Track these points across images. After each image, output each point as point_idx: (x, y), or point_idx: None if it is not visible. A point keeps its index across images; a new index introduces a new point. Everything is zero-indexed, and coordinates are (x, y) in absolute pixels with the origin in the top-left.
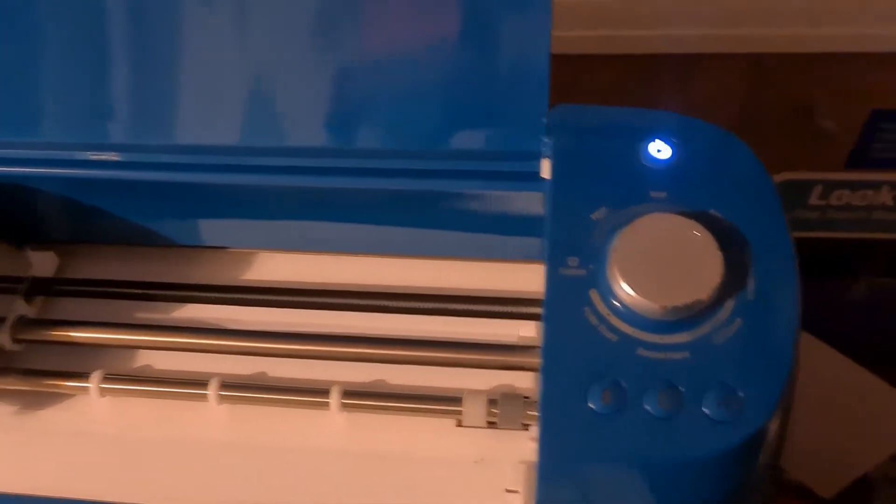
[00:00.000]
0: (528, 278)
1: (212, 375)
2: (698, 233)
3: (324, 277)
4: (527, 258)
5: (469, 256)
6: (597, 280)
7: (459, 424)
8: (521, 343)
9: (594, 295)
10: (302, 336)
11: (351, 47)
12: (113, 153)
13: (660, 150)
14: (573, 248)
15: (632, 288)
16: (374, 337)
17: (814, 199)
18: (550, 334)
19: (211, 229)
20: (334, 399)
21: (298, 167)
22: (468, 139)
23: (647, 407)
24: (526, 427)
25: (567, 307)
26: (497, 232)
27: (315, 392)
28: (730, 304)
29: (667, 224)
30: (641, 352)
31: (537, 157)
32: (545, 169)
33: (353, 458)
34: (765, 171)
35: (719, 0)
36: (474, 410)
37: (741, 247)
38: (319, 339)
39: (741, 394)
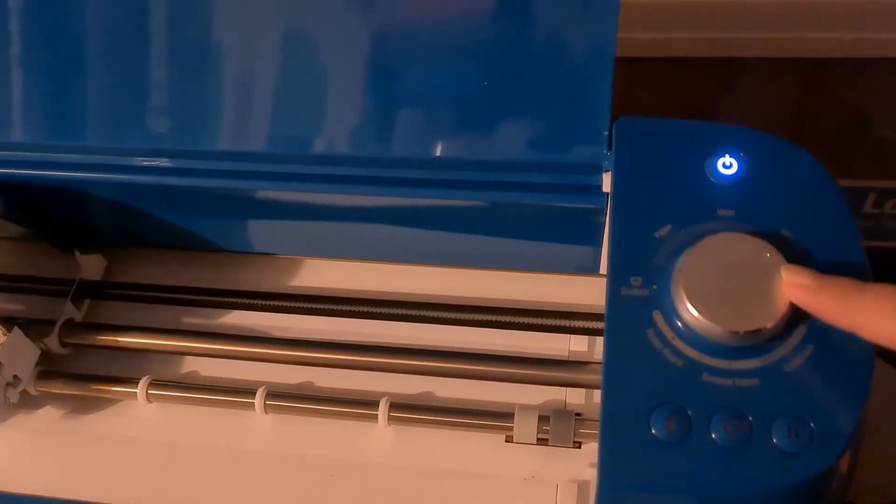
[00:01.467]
0: (580, 291)
1: (259, 384)
2: (769, 253)
3: (373, 286)
4: (579, 271)
5: (521, 268)
6: (661, 301)
7: (509, 440)
8: (572, 358)
9: (658, 317)
10: (349, 346)
11: (413, 57)
12: (162, 159)
13: (727, 164)
14: (636, 266)
15: (698, 310)
16: (422, 348)
17: (867, 208)
18: (612, 356)
19: (259, 234)
20: (382, 411)
21: (351, 176)
22: (529, 150)
23: (714, 436)
24: (578, 445)
25: (629, 329)
26: (550, 240)
27: (363, 404)
28: (802, 329)
29: (735, 244)
30: (707, 378)
31: (599, 170)
32: (606, 183)
33: (401, 471)
34: (837, 188)
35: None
36: (525, 426)
37: (813, 268)
38: (367, 349)
39: (813, 424)
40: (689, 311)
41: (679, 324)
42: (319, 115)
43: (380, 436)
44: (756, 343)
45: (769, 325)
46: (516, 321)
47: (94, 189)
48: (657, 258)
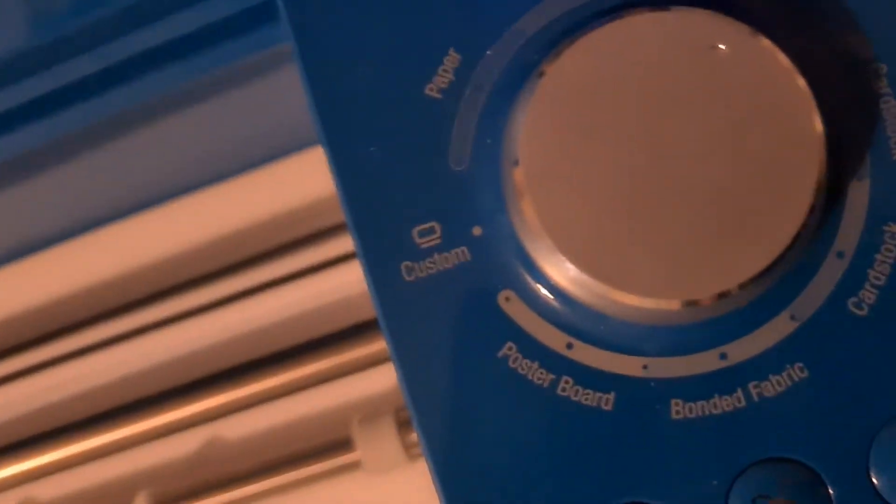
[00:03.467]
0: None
1: None
2: (734, 40)
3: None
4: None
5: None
6: (509, 269)
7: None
8: None
9: (512, 305)
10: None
11: None
12: None
13: None
14: (415, 196)
15: (594, 273)
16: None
17: None
18: (429, 423)
19: None
20: None
21: None
22: None
23: None
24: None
25: (458, 349)
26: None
27: None
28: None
29: (641, 41)
30: (675, 410)
31: None
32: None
33: None
34: None
35: None
36: (381, 445)
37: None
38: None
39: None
40: (577, 275)
41: (558, 304)
42: None
43: None
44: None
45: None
46: (275, 273)
47: None
48: (456, 155)
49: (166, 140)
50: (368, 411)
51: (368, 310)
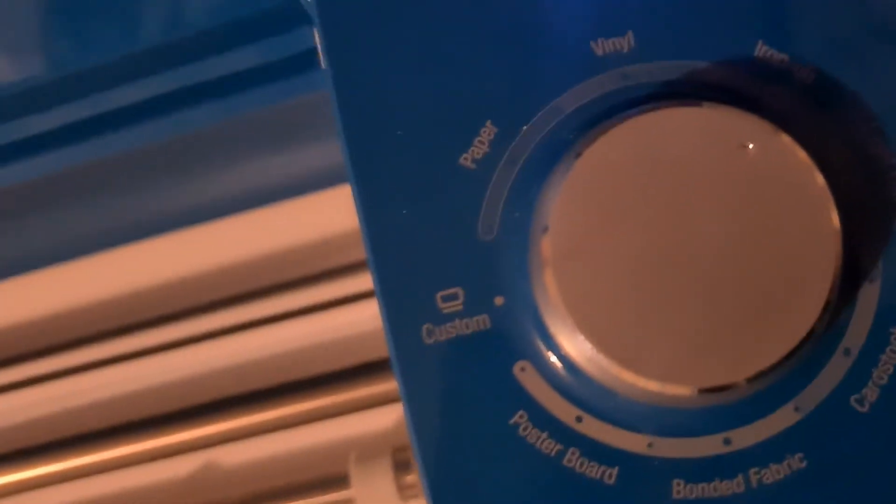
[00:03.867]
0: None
1: None
2: (762, 143)
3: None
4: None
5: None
6: (523, 336)
7: None
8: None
9: (528, 376)
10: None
11: None
12: None
13: None
14: (440, 264)
15: (609, 352)
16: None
17: None
18: (435, 478)
19: None
20: None
21: None
22: None
23: None
24: None
25: (465, 421)
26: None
27: None
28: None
29: (669, 139)
30: (676, 490)
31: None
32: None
33: None
34: None
35: None
36: (375, 484)
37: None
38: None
39: None
40: (592, 356)
41: (575, 384)
42: None
43: None
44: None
45: (783, 355)
46: (286, 305)
47: None
48: (485, 226)
49: (198, 178)
50: (366, 450)
51: (375, 350)
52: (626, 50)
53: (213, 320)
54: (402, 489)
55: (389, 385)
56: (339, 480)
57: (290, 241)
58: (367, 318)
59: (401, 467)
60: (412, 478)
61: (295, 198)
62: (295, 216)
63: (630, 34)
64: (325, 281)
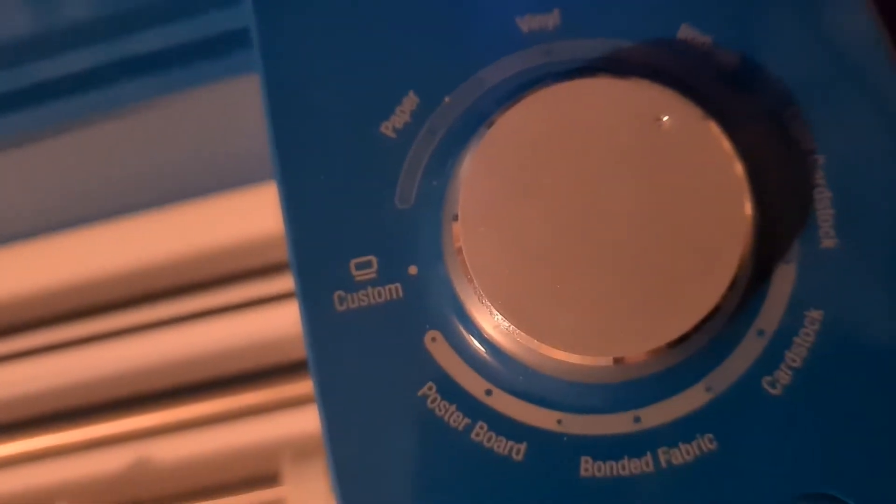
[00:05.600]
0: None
1: None
2: (676, 114)
3: None
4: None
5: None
6: (436, 303)
7: None
8: None
9: (438, 346)
10: None
11: None
12: None
13: None
14: (354, 231)
15: (519, 322)
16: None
17: None
18: (343, 462)
19: None
20: None
21: None
22: None
23: None
24: None
25: (376, 387)
26: None
27: None
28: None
29: (584, 106)
30: (589, 471)
31: None
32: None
33: None
34: None
35: None
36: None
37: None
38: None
39: None
40: (506, 327)
41: (491, 360)
42: None
43: None
44: (677, 371)
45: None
46: (219, 301)
47: None
48: (402, 194)
49: (120, 152)
50: (301, 449)
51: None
52: (551, 27)
53: (147, 313)
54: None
55: None
56: (271, 479)
57: (226, 235)
58: None
59: None
60: None
61: (227, 191)
62: (230, 211)
63: (557, 11)
64: (262, 277)
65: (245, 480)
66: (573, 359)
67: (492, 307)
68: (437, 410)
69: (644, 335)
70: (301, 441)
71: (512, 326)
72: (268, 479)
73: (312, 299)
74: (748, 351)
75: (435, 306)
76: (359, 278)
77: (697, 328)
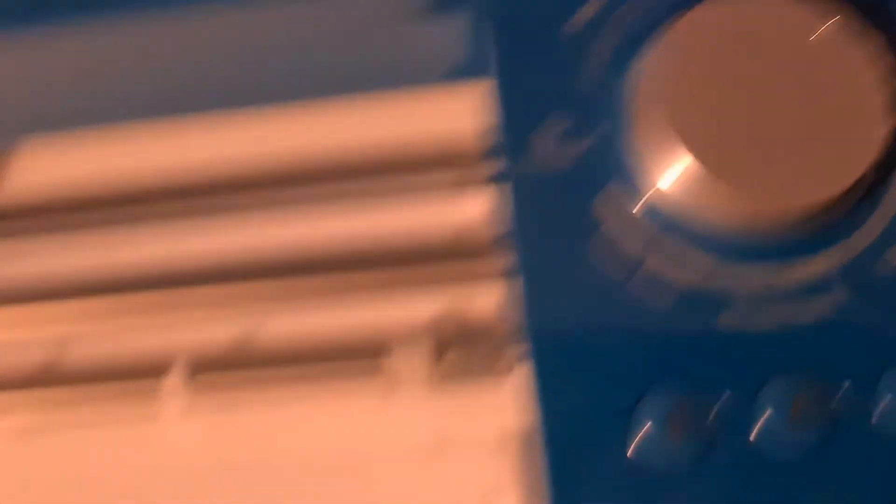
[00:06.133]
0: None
1: None
2: (832, 26)
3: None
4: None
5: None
6: (615, 162)
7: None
8: (463, 233)
9: (612, 198)
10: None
11: None
12: None
13: None
14: (549, 94)
15: (709, 171)
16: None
17: None
18: (535, 299)
19: None
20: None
21: None
22: None
23: (771, 428)
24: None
25: (557, 235)
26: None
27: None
28: None
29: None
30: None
31: None
32: None
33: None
34: None
35: None
36: (412, 363)
37: None
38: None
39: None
40: (688, 176)
41: (663, 208)
42: None
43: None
44: (827, 229)
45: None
46: (361, 188)
47: None
48: (594, 66)
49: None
50: (408, 334)
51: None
52: None
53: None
54: (437, 378)
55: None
56: (378, 356)
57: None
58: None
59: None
60: (446, 367)
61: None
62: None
63: None
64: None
65: (353, 354)
66: (756, 205)
67: (685, 149)
68: (600, 263)
69: (818, 187)
70: (410, 326)
71: (703, 168)
72: (375, 356)
73: (516, 150)
74: (876, 224)
75: (614, 162)
76: (553, 132)
77: (856, 185)
